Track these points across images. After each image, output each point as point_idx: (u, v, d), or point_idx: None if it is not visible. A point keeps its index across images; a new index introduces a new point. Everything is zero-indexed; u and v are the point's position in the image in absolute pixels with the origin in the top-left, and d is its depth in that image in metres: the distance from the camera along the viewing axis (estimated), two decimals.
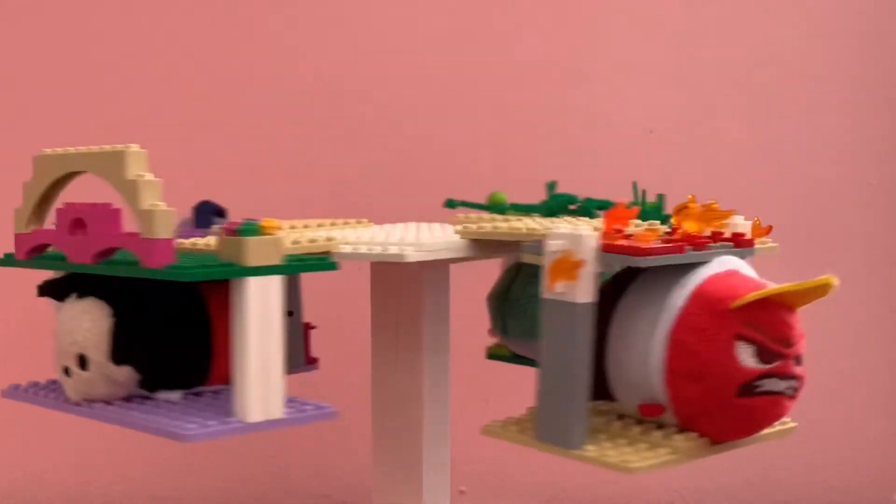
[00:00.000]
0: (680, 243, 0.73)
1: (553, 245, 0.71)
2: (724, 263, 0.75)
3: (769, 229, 0.84)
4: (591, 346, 0.72)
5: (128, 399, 0.78)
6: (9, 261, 0.83)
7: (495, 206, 1.10)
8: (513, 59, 1.49)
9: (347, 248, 0.81)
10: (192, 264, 0.70)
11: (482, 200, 1.06)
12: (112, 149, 0.72)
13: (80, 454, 1.34)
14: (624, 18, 1.53)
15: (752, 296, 0.70)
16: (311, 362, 1.09)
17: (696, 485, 1.52)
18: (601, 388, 0.77)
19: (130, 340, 0.75)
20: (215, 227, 1.04)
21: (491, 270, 0.97)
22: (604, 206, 1.03)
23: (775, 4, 1.54)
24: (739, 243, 0.78)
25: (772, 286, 0.72)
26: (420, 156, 1.45)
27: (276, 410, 0.73)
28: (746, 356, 0.70)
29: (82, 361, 0.76)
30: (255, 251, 0.71)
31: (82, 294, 0.77)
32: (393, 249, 0.79)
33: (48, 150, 0.79)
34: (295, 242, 0.78)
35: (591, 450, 0.72)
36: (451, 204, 1.13)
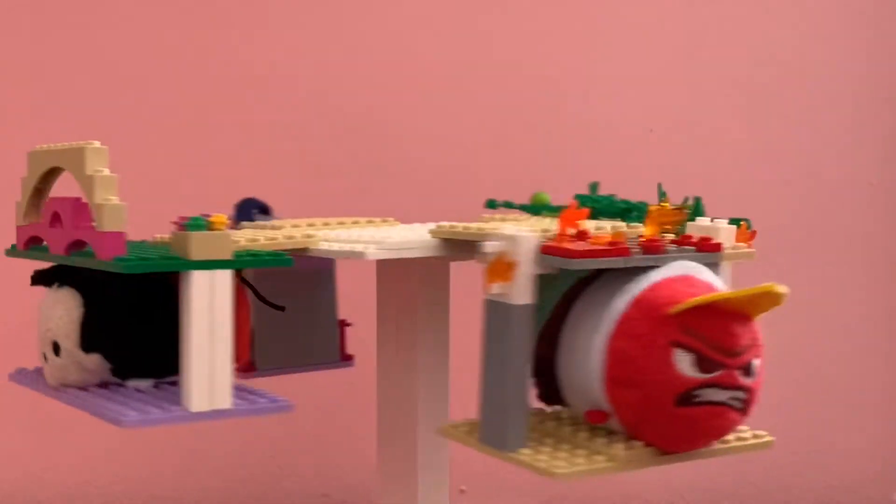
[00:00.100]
0: (623, 247, 0.71)
1: (490, 246, 0.71)
2: (679, 268, 0.72)
3: (754, 234, 0.81)
4: (528, 348, 0.71)
5: (103, 386, 0.81)
6: (13, 251, 0.88)
7: (537, 207, 1.09)
8: (513, 59, 1.49)
9: (325, 246, 0.83)
10: (140, 257, 0.72)
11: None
12: (76, 145, 0.75)
13: (80, 454, 1.37)
14: (624, 18, 1.52)
15: (690, 302, 0.67)
16: (347, 359, 1.10)
17: (696, 485, 1.51)
18: (556, 394, 0.76)
19: (99, 329, 0.78)
20: (244, 222, 1.07)
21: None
22: (636, 208, 1.01)
23: (775, 4, 1.53)
24: (704, 248, 0.75)
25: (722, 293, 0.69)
26: (420, 156, 1.46)
27: (224, 401, 0.75)
28: (685, 364, 0.67)
29: (56, 348, 0.79)
30: (200, 246, 0.73)
31: (62, 284, 0.81)
32: (358, 248, 0.79)
33: (39, 147, 0.83)
34: (251, 240, 0.80)
35: (525, 453, 0.71)
36: (491, 204, 1.12)
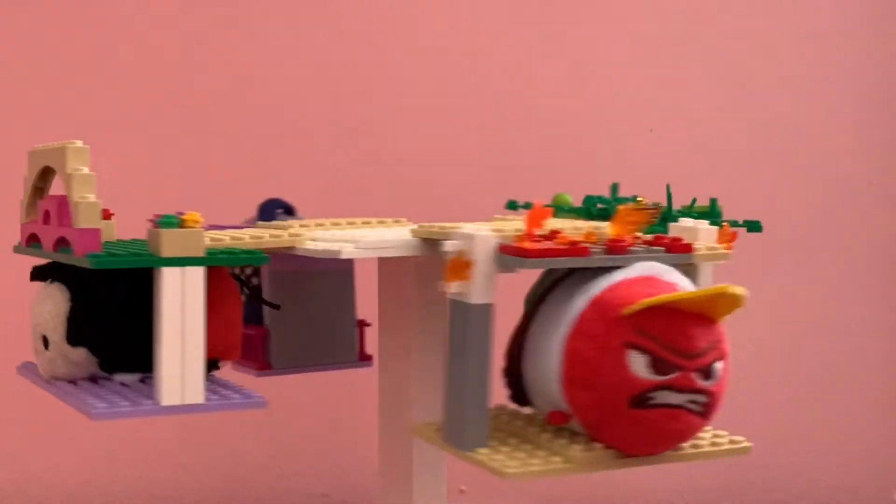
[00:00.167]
0: (582, 247, 0.70)
1: (449, 245, 0.71)
2: (642, 269, 0.71)
3: (734, 235, 0.80)
4: (487, 348, 0.71)
5: (93, 380, 0.83)
6: (19, 248, 0.91)
7: (559, 208, 1.08)
8: (513, 59, 1.48)
9: (310, 245, 0.84)
10: (111, 253, 0.74)
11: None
12: (60, 145, 0.78)
13: (80, 454, 1.38)
14: (625, 17, 1.51)
15: (643, 302, 0.66)
16: (365, 359, 1.11)
17: (696, 485, 1.50)
18: (525, 395, 0.76)
19: (84, 324, 0.80)
20: (258, 222, 1.08)
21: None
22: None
23: (776, 4, 1.52)
24: (674, 248, 0.74)
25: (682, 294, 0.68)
26: (419, 155, 1.46)
27: (196, 396, 0.76)
28: (639, 366, 0.67)
29: (45, 342, 0.82)
30: (170, 243, 0.74)
31: (54, 279, 0.83)
32: (334, 247, 0.80)
33: (37, 146, 0.86)
34: (236, 238, 0.81)
35: (483, 453, 0.71)
36: (512, 205, 1.12)
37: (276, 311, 1.03)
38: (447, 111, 1.48)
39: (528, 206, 1.10)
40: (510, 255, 0.69)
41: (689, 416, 0.68)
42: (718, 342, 0.69)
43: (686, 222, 0.80)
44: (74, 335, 0.81)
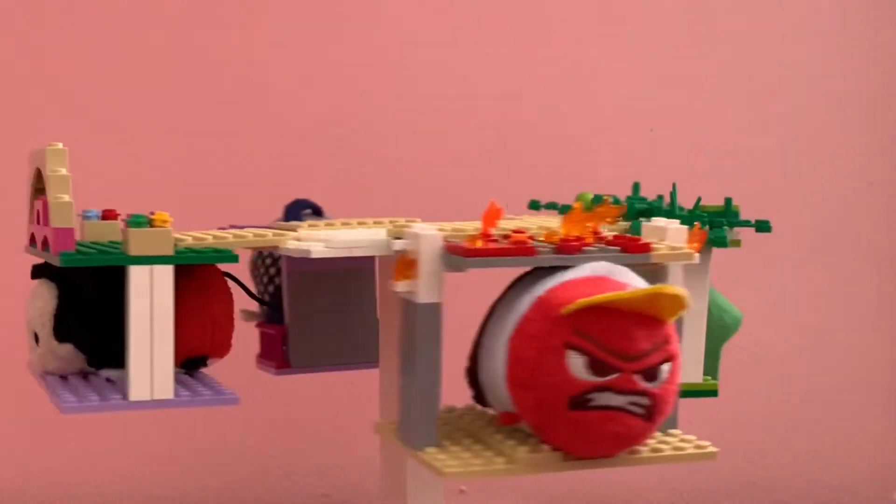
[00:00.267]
0: (527, 247, 0.70)
1: (398, 244, 0.71)
2: (593, 269, 0.70)
3: (704, 236, 0.78)
4: (435, 347, 0.71)
5: (84, 375, 0.86)
6: (27, 249, 0.95)
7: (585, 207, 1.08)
8: (513, 59, 1.47)
9: (292, 245, 0.85)
10: (82, 252, 0.76)
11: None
12: (43, 147, 0.81)
13: (80, 454, 1.38)
14: (624, 17, 1.49)
15: (580, 302, 0.66)
16: None
17: (696, 485, 1.48)
18: (483, 395, 0.76)
19: (70, 320, 0.83)
20: (279, 222, 1.10)
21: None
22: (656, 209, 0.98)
23: (776, 4, 1.50)
24: (630, 248, 0.73)
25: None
26: (419, 156, 1.45)
27: (165, 391, 0.78)
28: (578, 367, 0.66)
29: (36, 338, 0.85)
30: (139, 241, 0.76)
31: (45, 277, 0.86)
32: (304, 246, 0.81)
33: (34, 148, 0.89)
34: (219, 238, 0.83)
35: (429, 452, 0.71)
36: (534, 205, 1.12)
37: (297, 310, 1.04)
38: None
39: (550, 206, 1.09)
40: (453, 254, 0.69)
41: (631, 418, 0.67)
42: (665, 343, 0.67)
43: (658, 221, 0.79)
44: (61, 331, 0.83)
